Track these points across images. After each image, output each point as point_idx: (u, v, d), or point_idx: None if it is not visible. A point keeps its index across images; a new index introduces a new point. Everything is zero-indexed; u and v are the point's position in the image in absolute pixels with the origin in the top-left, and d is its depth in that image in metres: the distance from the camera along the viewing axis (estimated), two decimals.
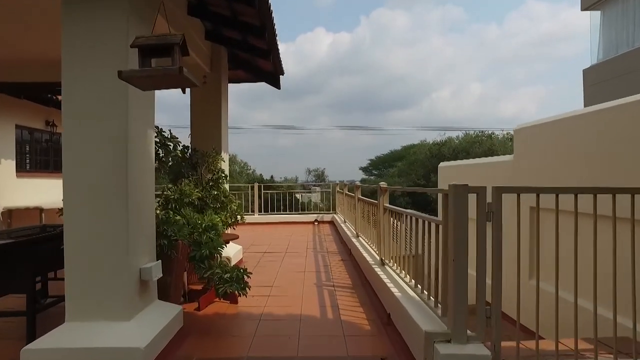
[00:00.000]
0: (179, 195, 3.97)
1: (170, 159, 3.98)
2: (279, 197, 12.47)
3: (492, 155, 36.05)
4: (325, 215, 12.05)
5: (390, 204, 4.74)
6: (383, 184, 4.81)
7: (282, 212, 12.21)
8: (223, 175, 5.29)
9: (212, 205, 5.07)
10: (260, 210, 12.09)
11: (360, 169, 77.87)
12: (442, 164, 10.69)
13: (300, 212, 12.65)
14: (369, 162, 75.74)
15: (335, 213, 11.91)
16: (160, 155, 4.00)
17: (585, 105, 12.38)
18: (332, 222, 11.62)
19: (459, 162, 10.12)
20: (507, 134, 44.93)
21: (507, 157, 6.95)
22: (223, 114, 6.16)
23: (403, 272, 3.85)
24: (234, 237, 4.89)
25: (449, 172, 9.79)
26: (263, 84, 7.49)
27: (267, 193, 12.64)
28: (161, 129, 3.93)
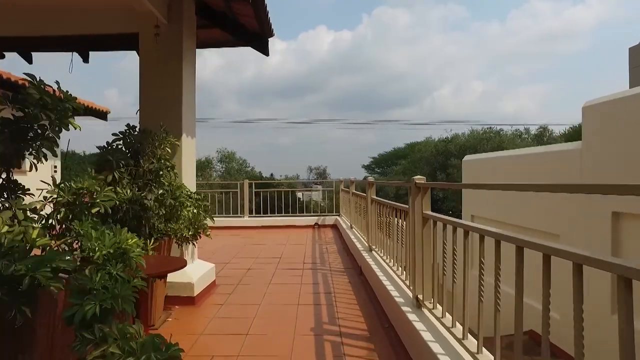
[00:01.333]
0: (72, 197, 2.26)
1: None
2: (275, 196, 10.74)
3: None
4: (327, 217, 10.32)
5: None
6: (419, 179, 3.09)
7: (277, 214, 10.48)
8: (167, 165, 3.57)
9: (156, 212, 3.35)
10: (251, 212, 10.36)
11: (362, 167, 76.18)
12: (468, 158, 8.94)
13: (298, 214, 10.91)
14: (372, 160, 74.00)
15: (339, 215, 10.18)
16: (46, 128, 2.30)
17: (630, 86, 10.60)
18: (335, 226, 9.89)
19: (494, 154, 8.36)
20: (515, 130, 43.17)
21: (572, 145, 5.23)
22: (186, 83, 4.44)
23: (471, 336, 2.13)
24: (175, 268, 3.15)
25: (480, 167, 8.05)
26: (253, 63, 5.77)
27: (263, 192, 10.93)
28: (40, 79, 2.23)
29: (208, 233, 3.92)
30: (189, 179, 4.36)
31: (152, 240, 3.14)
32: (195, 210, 3.59)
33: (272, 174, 66.18)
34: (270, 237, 8.72)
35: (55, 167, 10.20)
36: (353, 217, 7.66)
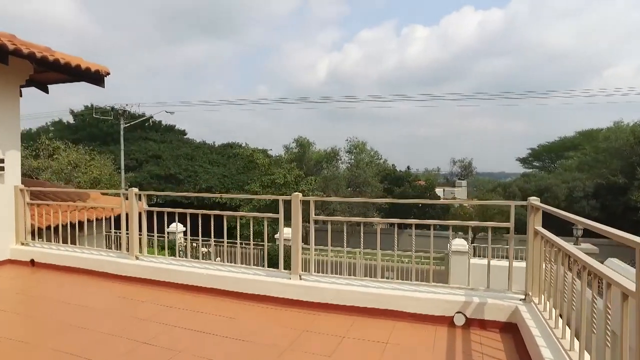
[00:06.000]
0: None
1: None
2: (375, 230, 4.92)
3: None
4: (489, 297, 4.05)
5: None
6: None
7: (370, 280, 4.62)
8: None
9: None
10: (306, 268, 4.74)
11: (517, 160, 64.42)
12: None
13: (415, 282, 4.84)
14: (529, 151, 61.94)
15: (523, 299, 3.85)
16: None
17: None
18: (513, 330, 3.68)
19: None
20: None
21: None
22: None
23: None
24: None
25: None
26: None
27: (332, 221, 5.20)
28: None
29: None
30: None
31: None
32: None
33: (408, 167, 59.25)
34: None
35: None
36: None
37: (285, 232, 13.85)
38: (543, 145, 59.12)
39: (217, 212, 5.19)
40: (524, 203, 3.70)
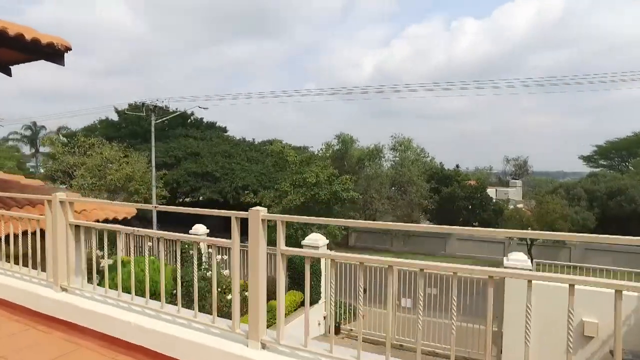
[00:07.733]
0: None
1: None
2: None
3: None
4: None
5: None
6: None
7: None
8: None
9: None
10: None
11: (580, 158, 59.04)
12: None
13: None
14: (595, 149, 56.53)
15: None
16: None
17: None
18: None
19: None
20: None
21: None
22: None
23: None
24: None
25: None
26: None
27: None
28: None
29: None
30: None
31: None
32: None
33: (457, 166, 55.50)
34: None
35: None
36: None
37: (313, 238, 11.69)
38: (611, 141, 53.67)
39: (148, 230, 3.53)
40: None
